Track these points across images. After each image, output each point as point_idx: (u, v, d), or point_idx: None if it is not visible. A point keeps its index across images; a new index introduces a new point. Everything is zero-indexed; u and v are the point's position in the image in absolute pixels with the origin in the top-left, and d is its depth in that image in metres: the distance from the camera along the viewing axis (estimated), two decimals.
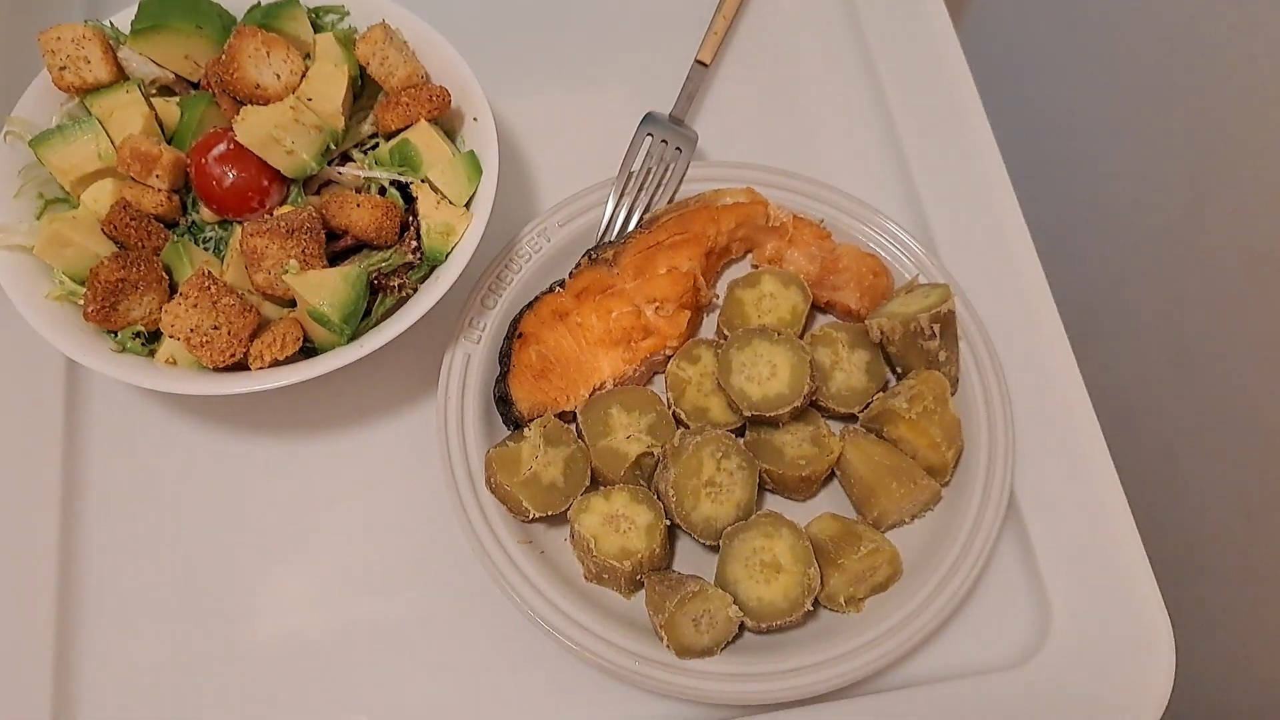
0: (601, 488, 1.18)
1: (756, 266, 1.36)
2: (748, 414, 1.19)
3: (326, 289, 1.13)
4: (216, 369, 1.15)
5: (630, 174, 1.37)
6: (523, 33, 1.57)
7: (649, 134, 1.40)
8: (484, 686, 1.14)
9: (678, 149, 1.39)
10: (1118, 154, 1.92)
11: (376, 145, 1.29)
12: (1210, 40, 1.68)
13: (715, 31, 1.51)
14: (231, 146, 1.19)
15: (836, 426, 1.25)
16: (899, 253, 1.34)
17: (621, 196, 1.36)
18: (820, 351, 1.26)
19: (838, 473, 1.23)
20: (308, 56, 1.28)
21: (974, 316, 1.31)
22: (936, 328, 1.22)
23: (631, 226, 1.35)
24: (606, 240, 1.34)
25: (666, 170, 1.38)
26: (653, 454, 1.20)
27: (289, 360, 1.16)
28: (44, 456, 1.25)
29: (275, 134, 1.17)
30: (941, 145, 1.48)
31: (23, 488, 1.23)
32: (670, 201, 1.36)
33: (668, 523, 1.15)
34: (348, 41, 1.28)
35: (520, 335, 1.24)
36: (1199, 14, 1.70)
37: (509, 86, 1.49)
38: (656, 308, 1.27)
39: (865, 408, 1.25)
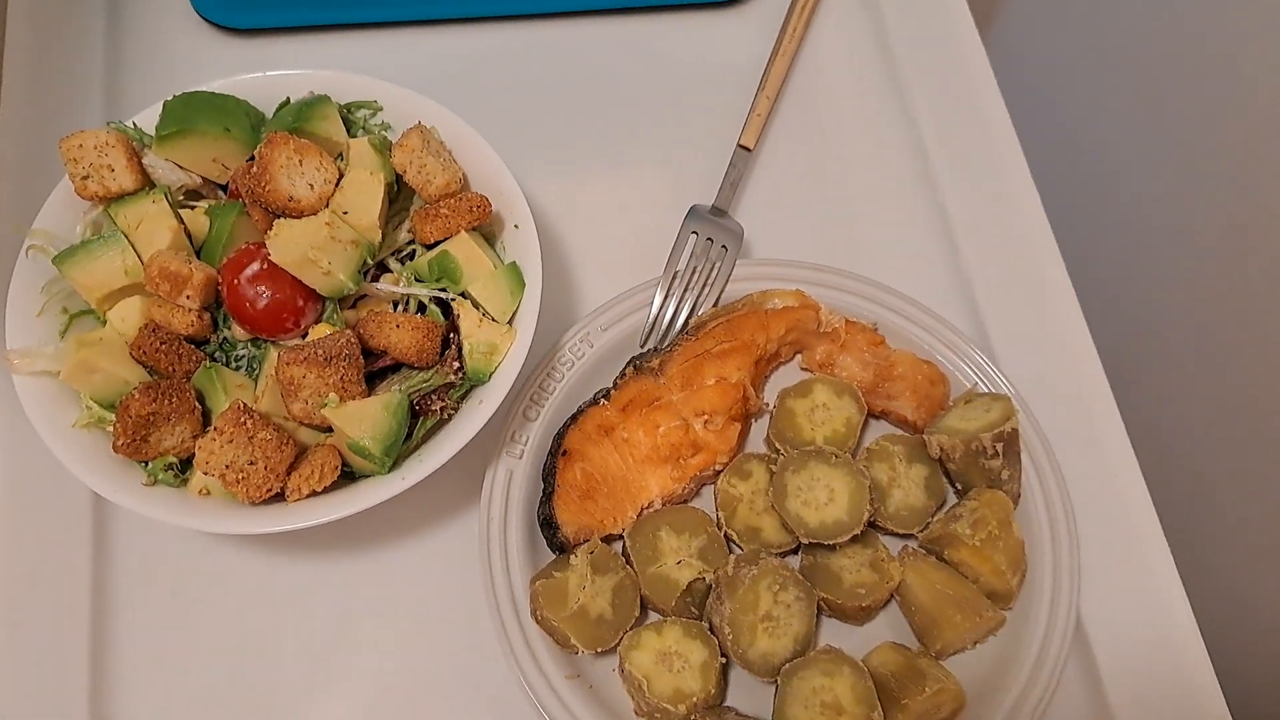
0: (651, 617, 1.13)
1: (806, 370, 1.31)
2: (804, 540, 1.14)
3: (368, 421, 1.09)
4: (253, 503, 1.10)
5: (676, 273, 1.32)
6: (558, 118, 1.52)
7: (694, 232, 1.35)
8: None
9: (724, 246, 1.34)
10: (1184, 239, 1.85)
11: (414, 254, 1.24)
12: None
13: (758, 113, 1.46)
14: (265, 266, 1.14)
15: (893, 544, 1.20)
16: (956, 359, 1.29)
17: (667, 298, 1.31)
18: (876, 468, 1.21)
19: (897, 598, 1.19)
20: (339, 157, 1.23)
21: (1035, 425, 1.26)
22: (1000, 446, 1.17)
23: (677, 328, 1.30)
24: (652, 347, 1.29)
25: (713, 269, 1.33)
26: (704, 579, 1.15)
27: (327, 491, 1.11)
28: (72, 586, 1.21)
29: (311, 255, 1.12)
30: (995, 235, 1.42)
31: (51, 620, 1.19)
32: (717, 302, 1.31)
33: (723, 660, 1.11)
34: (383, 147, 1.22)
35: (565, 453, 1.20)
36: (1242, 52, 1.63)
37: (543, 173, 1.44)
38: (705, 421, 1.22)
39: (924, 528, 1.20)
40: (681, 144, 1.48)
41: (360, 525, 1.25)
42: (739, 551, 1.18)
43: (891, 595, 1.18)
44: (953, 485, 1.23)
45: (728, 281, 1.33)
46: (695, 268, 1.33)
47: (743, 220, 1.38)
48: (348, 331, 1.13)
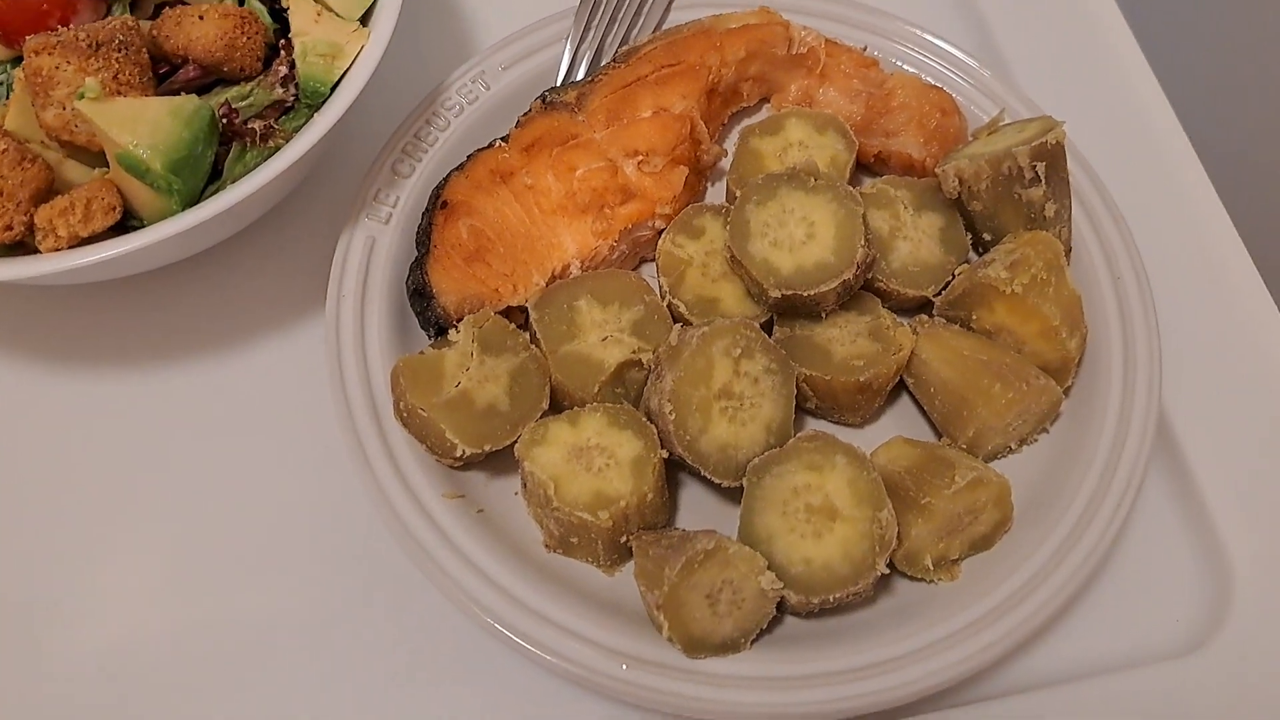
0: (566, 411, 0.80)
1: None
2: (776, 295, 0.82)
3: (144, 123, 0.77)
4: None
5: (598, 1, 1.00)
6: None
7: None
8: (403, 710, 0.75)
9: None
10: None
11: None
12: None
13: None
14: None
15: (903, 320, 0.87)
16: (971, 87, 0.97)
17: (586, 31, 0.99)
18: (875, 215, 0.89)
19: (909, 381, 0.85)
20: None
21: (1081, 164, 0.93)
22: (1040, 168, 0.84)
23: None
24: (571, 82, 0.97)
25: None
26: (641, 362, 0.82)
27: (99, 239, 0.78)
28: None
29: None
30: None
31: None
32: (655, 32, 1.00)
33: (664, 454, 0.77)
34: None
35: (445, 205, 0.88)
36: None
37: None
38: (640, 162, 0.90)
39: (943, 289, 0.87)
40: None
41: (170, 318, 0.94)
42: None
43: (900, 374, 0.85)
44: (977, 239, 0.90)
45: (669, 9, 1.01)
46: None
47: None
48: (124, 16, 0.82)
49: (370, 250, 0.89)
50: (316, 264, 0.93)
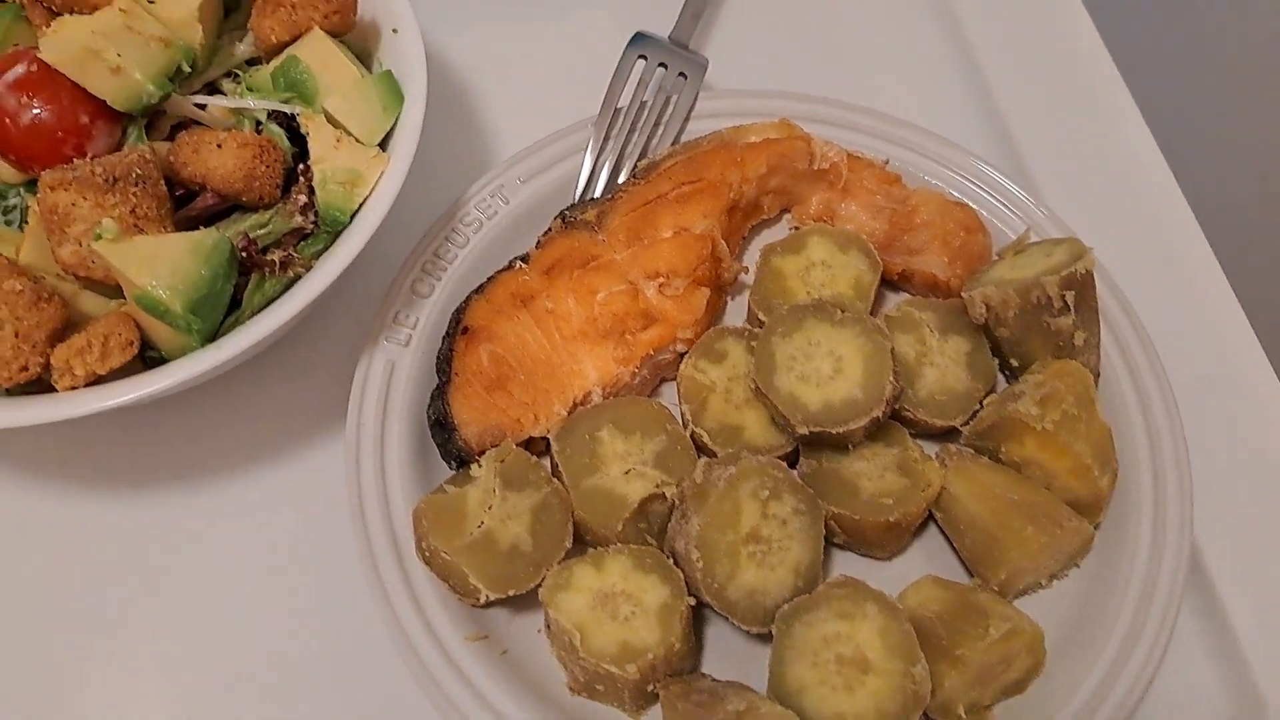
0: (590, 551, 0.78)
1: (799, 229, 0.98)
2: (803, 431, 0.80)
3: (164, 263, 0.75)
4: (4, 391, 0.76)
5: (617, 111, 0.99)
6: None
7: (641, 56, 1.02)
8: None
9: (681, 75, 1.01)
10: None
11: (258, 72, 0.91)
12: None
13: None
14: (35, 68, 0.82)
15: (929, 448, 0.86)
16: (997, 202, 0.96)
17: (606, 142, 0.98)
18: (901, 340, 0.87)
19: (938, 515, 0.84)
20: None
21: (1108, 283, 0.92)
22: (1070, 297, 0.83)
23: (622, 180, 0.97)
24: (590, 199, 0.96)
25: (667, 105, 1.00)
26: (664, 496, 0.81)
27: (116, 376, 0.77)
28: None
29: (95, 44, 0.79)
30: (1031, 54, 1.10)
31: None
32: (674, 144, 0.99)
33: (691, 601, 0.76)
34: None
35: (466, 330, 0.86)
36: None
37: (453, 9, 1.12)
38: (661, 285, 0.89)
39: (970, 418, 0.86)
40: None
41: (183, 443, 0.91)
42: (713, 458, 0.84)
43: (929, 510, 0.83)
44: (1004, 365, 0.89)
45: (687, 119, 1.00)
46: (644, 102, 1.00)
47: (708, 56, 1.05)
48: (141, 148, 0.80)
49: (390, 375, 0.87)
50: (334, 382, 0.92)
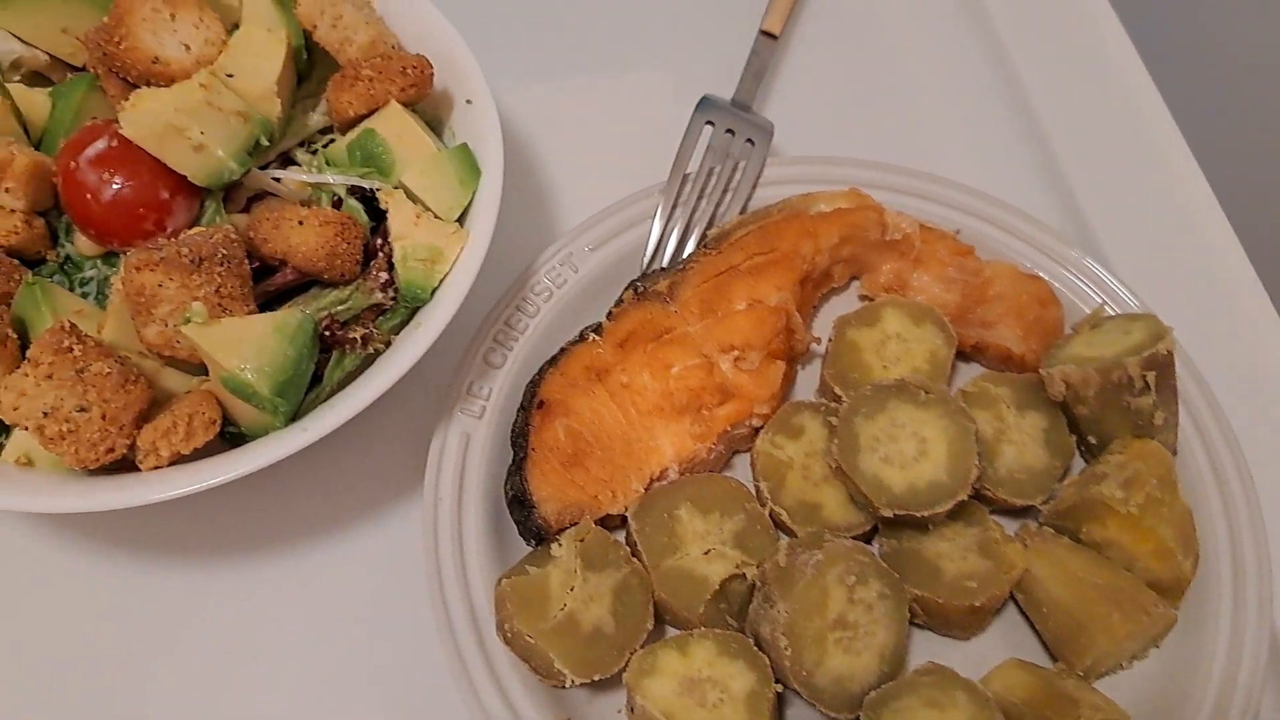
0: (672, 633, 0.78)
1: (868, 298, 0.98)
2: (887, 514, 0.80)
3: (250, 345, 0.75)
4: (88, 470, 0.76)
5: (686, 177, 0.99)
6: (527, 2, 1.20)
7: (709, 122, 1.02)
8: None
9: (749, 141, 1.01)
10: None
11: (332, 143, 0.91)
12: None
13: None
14: (115, 144, 0.81)
15: (1006, 524, 0.86)
16: (1071, 275, 0.96)
17: (674, 208, 0.98)
18: (978, 416, 0.87)
19: (1020, 596, 0.84)
20: (233, 28, 0.91)
21: (1184, 362, 0.92)
22: (1150, 377, 0.83)
23: (691, 248, 0.97)
24: (659, 268, 0.96)
25: (735, 171, 1.00)
26: (745, 576, 0.80)
27: (199, 455, 0.77)
28: None
29: (177, 121, 0.79)
30: (1098, 126, 1.10)
31: None
32: (743, 213, 0.99)
33: (778, 688, 0.75)
34: (284, 0, 0.90)
35: (542, 405, 0.86)
36: None
37: (513, 68, 1.12)
38: (736, 358, 0.89)
39: (1050, 498, 0.85)
40: (688, 32, 1.16)
41: (259, 511, 0.91)
42: (792, 537, 0.84)
43: (1011, 592, 0.83)
44: (1081, 440, 0.89)
45: (756, 185, 1.00)
46: (712, 168, 1.00)
47: (770, 118, 1.05)
48: (226, 226, 0.80)
49: (465, 448, 0.87)
50: (406, 451, 0.92)
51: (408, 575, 0.87)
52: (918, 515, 0.80)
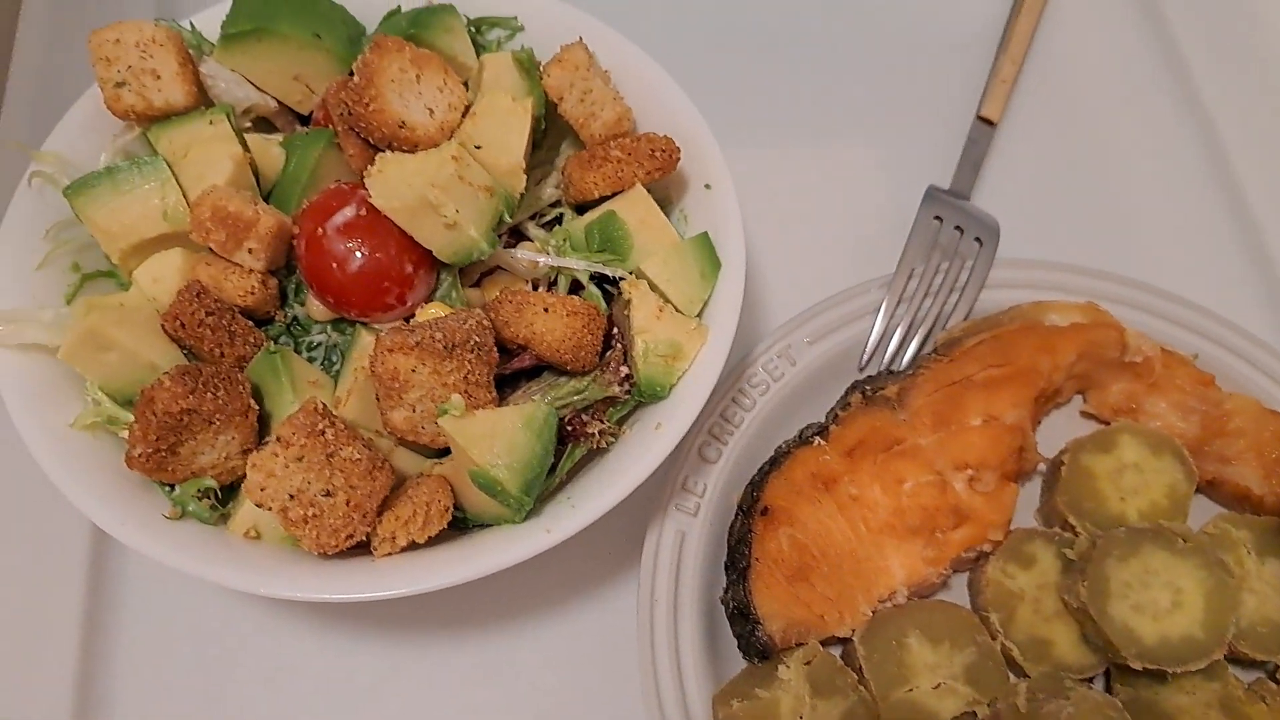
0: None
1: (1091, 416, 0.94)
2: (1135, 666, 0.76)
3: (501, 440, 0.73)
4: (322, 554, 0.74)
5: (912, 271, 0.96)
6: (750, 74, 1.16)
7: (937, 218, 0.99)
8: None
9: (976, 240, 0.98)
10: None
11: (559, 219, 0.89)
12: None
13: (1002, 79, 1.11)
14: (363, 212, 0.79)
15: (1240, 674, 0.82)
16: None
17: (899, 304, 0.95)
18: None
19: None
20: (466, 85, 0.89)
21: None
22: None
23: (913, 348, 0.94)
24: (884, 370, 0.93)
25: (962, 269, 0.96)
26: (975, 715, 0.77)
27: (431, 542, 0.75)
28: (55, 657, 0.85)
29: (431, 196, 0.77)
30: None
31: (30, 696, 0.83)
32: (967, 316, 0.95)
33: None
34: (530, 65, 0.88)
35: (766, 511, 0.83)
36: None
37: (727, 141, 1.09)
38: (971, 478, 0.85)
39: None
40: (905, 116, 1.13)
41: (465, 602, 0.89)
42: (1025, 678, 0.80)
43: None
44: None
45: (980, 288, 0.96)
46: (939, 265, 0.97)
47: (985, 210, 1.02)
48: (478, 311, 0.78)
49: (680, 547, 0.85)
50: (615, 543, 0.89)
51: (616, 670, 0.85)
52: (1169, 671, 0.76)
